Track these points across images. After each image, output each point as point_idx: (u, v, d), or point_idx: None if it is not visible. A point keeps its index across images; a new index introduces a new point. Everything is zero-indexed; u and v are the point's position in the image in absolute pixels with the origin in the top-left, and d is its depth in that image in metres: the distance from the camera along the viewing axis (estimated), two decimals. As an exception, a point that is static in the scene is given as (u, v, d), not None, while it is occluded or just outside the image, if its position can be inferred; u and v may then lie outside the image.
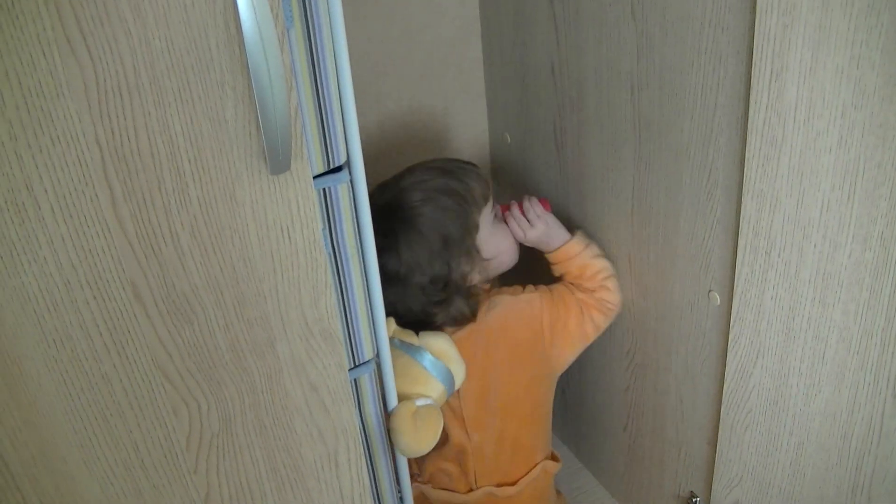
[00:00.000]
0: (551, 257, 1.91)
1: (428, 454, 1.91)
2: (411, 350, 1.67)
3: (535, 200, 1.93)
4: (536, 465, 2.00)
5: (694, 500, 1.94)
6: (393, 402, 1.53)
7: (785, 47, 1.27)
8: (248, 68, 1.01)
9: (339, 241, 1.29)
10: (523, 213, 1.92)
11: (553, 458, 2.07)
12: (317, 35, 1.13)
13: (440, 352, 1.69)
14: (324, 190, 1.23)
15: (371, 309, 1.39)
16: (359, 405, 1.44)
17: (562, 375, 1.97)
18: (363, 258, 1.34)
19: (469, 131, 2.37)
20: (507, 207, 1.94)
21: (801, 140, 1.30)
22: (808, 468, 1.55)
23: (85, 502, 1.22)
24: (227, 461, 1.30)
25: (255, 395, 1.27)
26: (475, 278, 1.87)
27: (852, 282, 1.33)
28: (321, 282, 1.24)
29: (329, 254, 1.28)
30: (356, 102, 1.24)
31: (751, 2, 1.32)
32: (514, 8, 2.06)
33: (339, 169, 1.25)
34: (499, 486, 1.97)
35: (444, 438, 1.92)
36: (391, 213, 1.79)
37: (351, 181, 1.26)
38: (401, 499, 1.62)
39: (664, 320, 1.83)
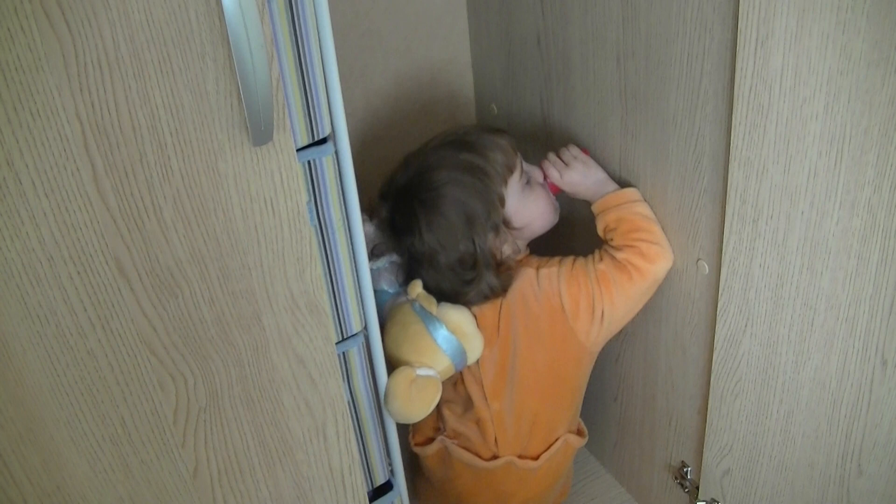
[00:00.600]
0: (594, 207, 1.83)
1: (452, 414, 1.91)
2: (427, 319, 1.66)
3: (572, 145, 1.87)
4: (558, 439, 1.96)
5: (685, 469, 1.95)
6: (382, 375, 1.53)
7: (770, 14, 1.27)
8: (228, 39, 1.00)
9: (325, 213, 1.28)
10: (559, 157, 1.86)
11: (579, 432, 2.04)
12: (299, 6, 1.12)
13: (456, 326, 1.68)
14: (309, 162, 1.23)
15: (359, 282, 1.39)
16: (348, 378, 1.44)
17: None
18: (349, 231, 1.33)
19: (455, 103, 2.37)
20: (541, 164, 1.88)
21: (788, 107, 1.30)
22: (798, 436, 1.55)
23: (73, 478, 1.22)
24: (215, 435, 1.30)
25: (241, 368, 1.27)
26: (507, 251, 1.83)
27: (840, 249, 1.32)
28: (306, 254, 1.24)
29: (315, 227, 1.27)
30: (342, 75, 1.23)
31: (736, -32, 1.31)
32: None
33: (323, 141, 1.25)
34: (520, 457, 1.94)
35: (469, 402, 1.90)
36: (412, 195, 1.76)
37: (336, 153, 1.26)
38: (391, 472, 1.62)
39: (653, 290, 1.83)
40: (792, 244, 1.39)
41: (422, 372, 1.62)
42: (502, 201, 1.78)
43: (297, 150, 1.20)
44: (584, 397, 2.03)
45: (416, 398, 1.58)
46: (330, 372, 1.35)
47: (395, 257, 1.80)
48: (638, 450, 2.14)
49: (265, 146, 1.12)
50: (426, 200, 1.74)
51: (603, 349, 2.05)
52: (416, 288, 1.70)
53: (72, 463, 1.21)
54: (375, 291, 1.67)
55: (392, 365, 1.61)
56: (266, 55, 1.03)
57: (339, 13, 2.06)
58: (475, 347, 1.71)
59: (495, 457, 1.93)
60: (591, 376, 2.04)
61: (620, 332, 1.98)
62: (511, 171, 1.79)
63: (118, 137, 1.03)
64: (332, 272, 1.34)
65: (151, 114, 1.04)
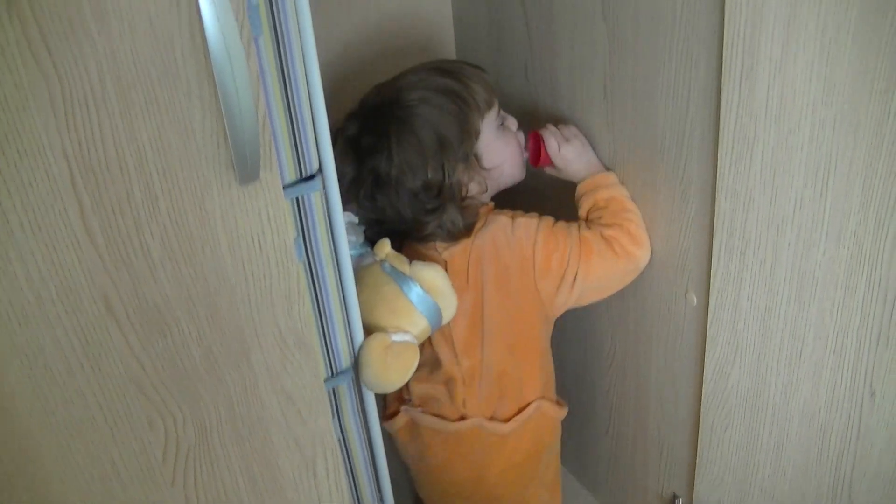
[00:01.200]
0: (582, 186, 1.79)
1: (417, 380, 1.85)
2: (400, 279, 1.59)
3: (571, 124, 1.84)
4: (530, 404, 1.89)
5: (676, 501, 1.94)
6: (373, 411, 1.52)
7: (755, 45, 1.27)
8: (214, 77, 1.00)
9: (314, 249, 1.28)
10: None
11: (558, 404, 1.96)
12: (286, 43, 1.13)
13: (431, 285, 1.61)
14: (297, 199, 1.23)
15: (348, 318, 1.39)
16: (338, 414, 1.44)
17: (543, 379, 1.95)
18: (338, 266, 1.33)
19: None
20: (536, 132, 1.84)
21: (773, 137, 1.31)
22: (789, 467, 1.56)
23: (63, 517, 1.22)
24: (205, 473, 1.30)
25: (230, 406, 1.26)
26: (473, 189, 1.78)
27: (827, 279, 1.33)
28: (294, 291, 1.24)
29: (303, 262, 1.28)
30: (328, 102, 1.24)
31: (720, 0, 1.32)
32: (487, 10, 2.06)
33: (311, 177, 1.25)
34: (490, 419, 1.87)
35: (437, 363, 1.85)
36: (385, 112, 1.72)
37: (324, 189, 1.26)
38: (383, 507, 1.62)
39: (643, 321, 1.83)
40: (779, 275, 1.40)
41: (398, 337, 1.55)
42: (476, 134, 1.75)
43: (285, 187, 1.20)
44: (576, 428, 2.03)
45: (392, 365, 1.50)
46: (319, 409, 1.35)
47: (352, 217, 1.72)
48: (630, 481, 2.13)
49: (252, 184, 1.12)
50: (400, 117, 1.71)
51: (593, 381, 2.05)
52: (385, 247, 1.63)
53: (62, 501, 1.20)
54: None
55: (366, 332, 1.54)
56: (252, 93, 1.03)
57: (326, 44, 2.07)
58: (450, 305, 1.64)
59: (463, 418, 1.87)
60: (583, 406, 2.04)
61: (611, 363, 1.98)
62: (489, 106, 1.77)
63: (105, 176, 1.04)
64: (321, 308, 1.34)
65: (138, 152, 1.04)
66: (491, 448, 1.89)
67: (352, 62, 2.16)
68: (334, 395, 1.42)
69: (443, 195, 1.71)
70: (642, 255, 1.74)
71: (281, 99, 1.16)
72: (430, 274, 1.62)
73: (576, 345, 1.96)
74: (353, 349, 1.42)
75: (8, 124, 0.96)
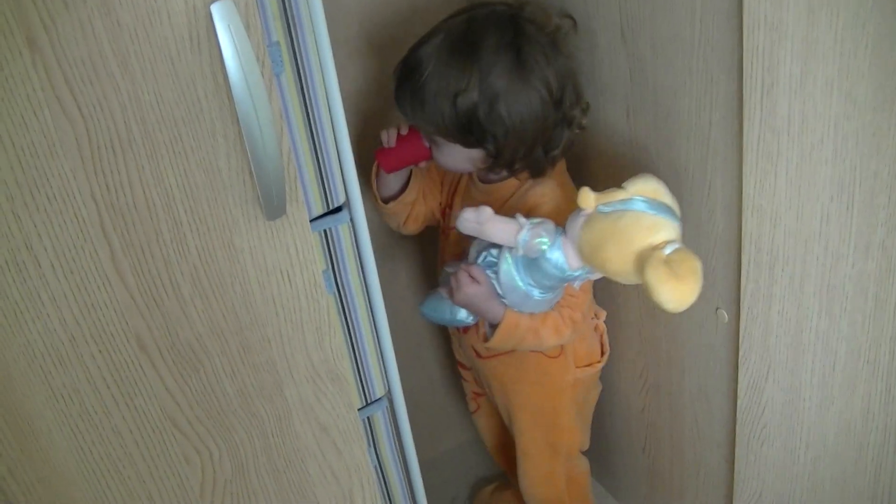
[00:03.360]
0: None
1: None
2: (628, 204, 1.42)
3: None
4: None
5: (716, 518, 1.94)
6: (408, 438, 1.52)
7: (774, 63, 1.28)
8: (237, 116, 1.02)
9: (344, 281, 1.29)
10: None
11: None
12: (308, 78, 1.14)
13: (652, 190, 1.43)
14: (325, 231, 1.24)
15: (380, 346, 1.39)
16: (374, 443, 1.44)
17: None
18: (369, 296, 1.34)
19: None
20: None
21: (797, 153, 1.31)
22: (826, 480, 1.55)
23: (102, 555, 1.23)
24: (243, 506, 1.31)
25: (265, 439, 1.27)
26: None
27: (857, 292, 1.33)
28: (325, 323, 1.24)
29: (334, 294, 1.28)
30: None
31: (738, 20, 1.32)
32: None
33: (338, 209, 1.26)
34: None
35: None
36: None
37: (351, 220, 1.27)
38: (420, 532, 1.62)
39: (674, 340, 1.83)
40: (809, 289, 1.40)
41: (670, 248, 1.37)
42: None
43: (313, 220, 1.21)
44: (613, 448, 2.05)
45: (681, 275, 1.34)
46: (354, 439, 1.35)
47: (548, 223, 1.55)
48: (668, 500, 2.12)
49: (279, 219, 1.13)
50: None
51: (627, 400, 2.05)
52: (589, 195, 1.45)
53: (101, 539, 1.22)
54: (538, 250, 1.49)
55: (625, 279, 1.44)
56: (276, 129, 1.04)
57: (353, 79, 2.07)
58: (675, 202, 1.46)
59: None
60: (618, 427, 2.05)
61: (644, 383, 1.98)
62: None
63: (134, 217, 1.05)
64: (353, 338, 1.34)
65: (165, 193, 1.05)
66: None
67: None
68: (369, 424, 1.42)
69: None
70: None
71: (305, 133, 1.16)
72: (647, 182, 1.45)
73: (608, 365, 1.96)
74: (386, 377, 1.42)
75: (37, 170, 0.98)
